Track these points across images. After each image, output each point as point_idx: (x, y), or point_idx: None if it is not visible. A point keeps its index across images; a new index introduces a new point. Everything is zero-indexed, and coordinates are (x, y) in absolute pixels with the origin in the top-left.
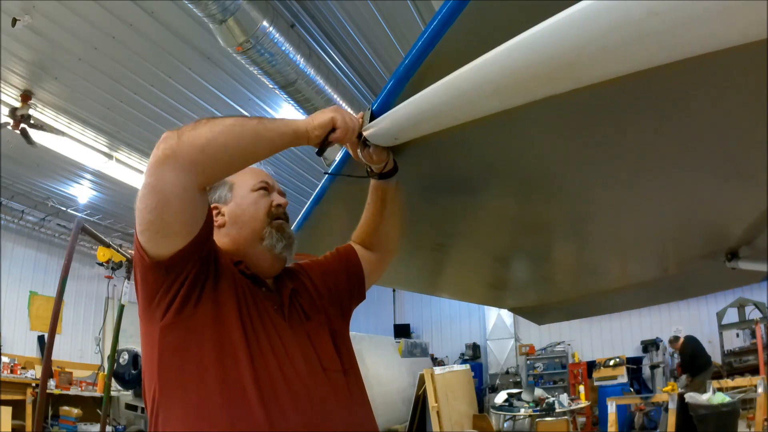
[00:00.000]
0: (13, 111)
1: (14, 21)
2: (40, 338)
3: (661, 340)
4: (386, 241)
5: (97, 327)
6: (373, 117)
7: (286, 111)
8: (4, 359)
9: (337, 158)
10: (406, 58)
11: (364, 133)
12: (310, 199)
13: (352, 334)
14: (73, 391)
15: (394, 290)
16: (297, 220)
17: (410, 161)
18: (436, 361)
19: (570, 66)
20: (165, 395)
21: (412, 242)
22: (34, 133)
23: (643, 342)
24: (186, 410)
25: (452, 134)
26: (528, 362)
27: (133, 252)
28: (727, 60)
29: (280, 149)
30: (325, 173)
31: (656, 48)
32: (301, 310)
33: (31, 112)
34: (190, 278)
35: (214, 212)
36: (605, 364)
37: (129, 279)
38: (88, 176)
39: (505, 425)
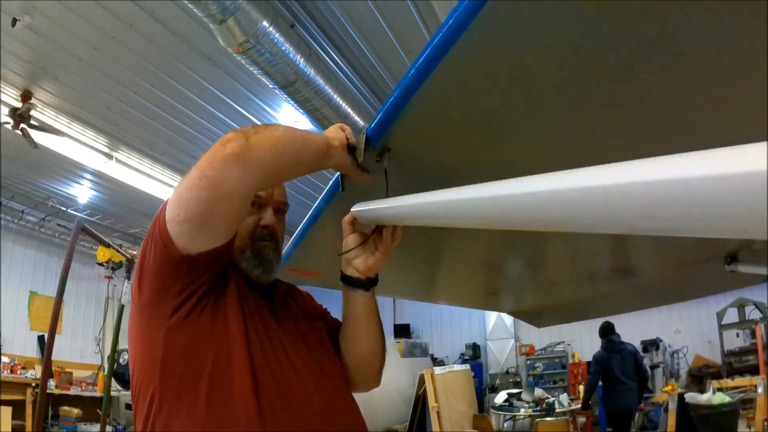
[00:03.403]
0: (13, 111)
1: (14, 21)
2: (40, 338)
3: (661, 340)
4: (369, 374)
5: (97, 327)
6: (368, 141)
7: (286, 111)
8: (4, 359)
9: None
10: (397, 87)
11: (354, 213)
12: (306, 219)
13: None
14: (73, 391)
15: None
16: (292, 238)
17: (401, 177)
18: (436, 361)
19: (550, 226)
20: (167, 397)
21: (409, 256)
22: (34, 134)
23: (643, 342)
24: (190, 415)
25: (444, 151)
26: (528, 362)
27: (147, 238)
28: (727, 60)
29: (312, 166)
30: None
31: (648, 231)
32: (291, 316)
33: (32, 112)
34: (205, 286)
35: None
36: None
37: (129, 279)
38: (88, 176)
39: (505, 425)
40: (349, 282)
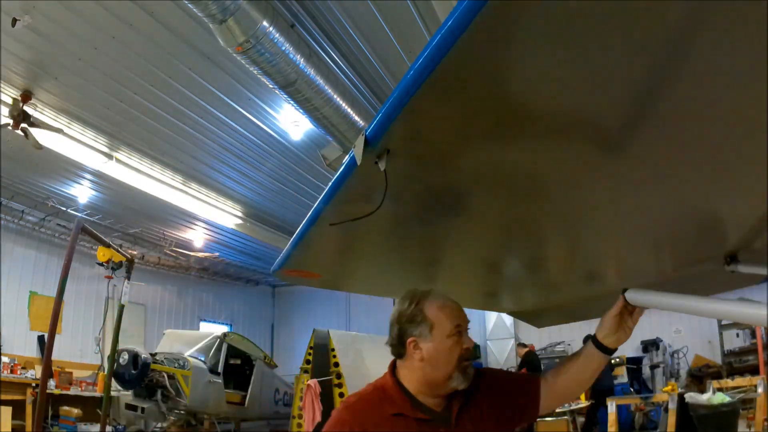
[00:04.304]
0: (12, 111)
1: (14, 21)
2: (40, 338)
3: (662, 340)
4: (569, 398)
5: (97, 327)
6: (366, 142)
7: (286, 111)
8: (4, 359)
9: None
10: (396, 88)
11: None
12: (306, 219)
13: (352, 333)
14: (73, 391)
15: None
16: (292, 238)
17: (404, 183)
18: None
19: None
20: None
21: (409, 257)
22: (36, 133)
23: (643, 342)
24: None
25: (443, 152)
26: None
27: None
28: (727, 65)
29: None
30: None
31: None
32: (469, 421)
33: (29, 110)
34: None
35: (412, 345)
36: None
37: (129, 279)
38: (88, 176)
39: None
40: (603, 350)
